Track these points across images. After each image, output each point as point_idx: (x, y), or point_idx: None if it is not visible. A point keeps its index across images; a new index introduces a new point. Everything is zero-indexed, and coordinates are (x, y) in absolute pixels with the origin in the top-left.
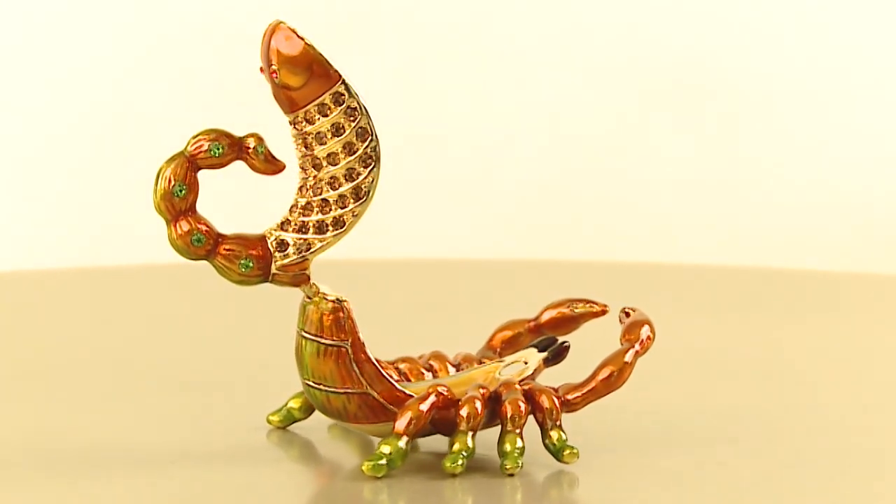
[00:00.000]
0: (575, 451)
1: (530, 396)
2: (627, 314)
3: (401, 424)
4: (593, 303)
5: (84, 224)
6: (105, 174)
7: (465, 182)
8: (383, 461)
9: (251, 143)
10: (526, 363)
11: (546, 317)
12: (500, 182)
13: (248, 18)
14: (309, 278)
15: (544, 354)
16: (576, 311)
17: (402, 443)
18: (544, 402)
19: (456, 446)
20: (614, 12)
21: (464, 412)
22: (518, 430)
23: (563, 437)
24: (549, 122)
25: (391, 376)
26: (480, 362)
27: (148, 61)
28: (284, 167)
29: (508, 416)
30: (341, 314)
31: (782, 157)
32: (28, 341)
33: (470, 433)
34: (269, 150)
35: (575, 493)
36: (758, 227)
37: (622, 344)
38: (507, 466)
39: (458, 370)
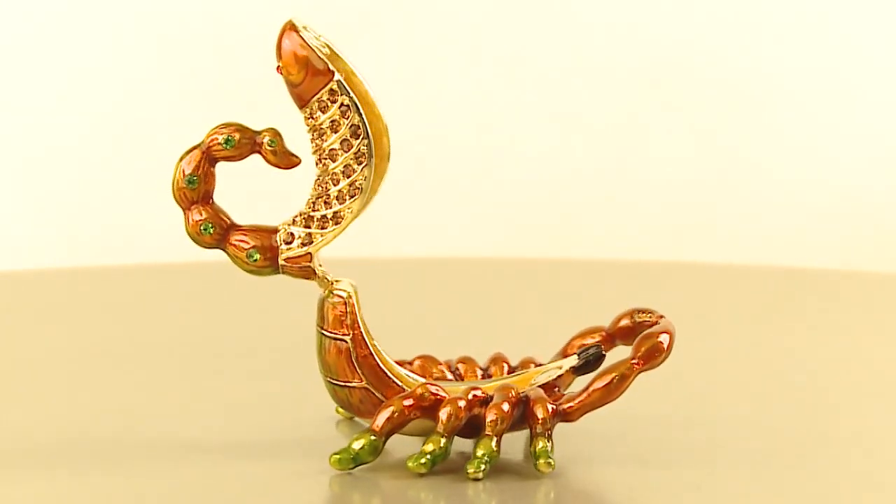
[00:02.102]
0: (551, 462)
1: (526, 404)
2: (654, 323)
3: (378, 420)
4: (651, 312)
5: (117, 221)
6: (108, 174)
7: (466, 181)
8: (350, 455)
9: (265, 137)
10: (560, 369)
11: (617, 326)
12: (502, 181)
13: (257, 19)
14: (314, 272)
15: (574, 363)
16: (637, 320)
17: (374, 438)
18: (538, 411)
19: (426, 446)
20: (615, 12)
21: (443, 414)
22: (496, 436)
23: (545, 446)
24: (550, 122)
25: (442, 372)
26: (537, 366)
27: (153, 62)
28: (299, 162)
29: (487, 420)
30: (344, 309)
31: (783, 156)
32: (87, 335)
33: (446, 435)
34: (282, 145)
35: (546, 501)
36: (759, 226)
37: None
38: (469, 471)
39: (510, 373)
